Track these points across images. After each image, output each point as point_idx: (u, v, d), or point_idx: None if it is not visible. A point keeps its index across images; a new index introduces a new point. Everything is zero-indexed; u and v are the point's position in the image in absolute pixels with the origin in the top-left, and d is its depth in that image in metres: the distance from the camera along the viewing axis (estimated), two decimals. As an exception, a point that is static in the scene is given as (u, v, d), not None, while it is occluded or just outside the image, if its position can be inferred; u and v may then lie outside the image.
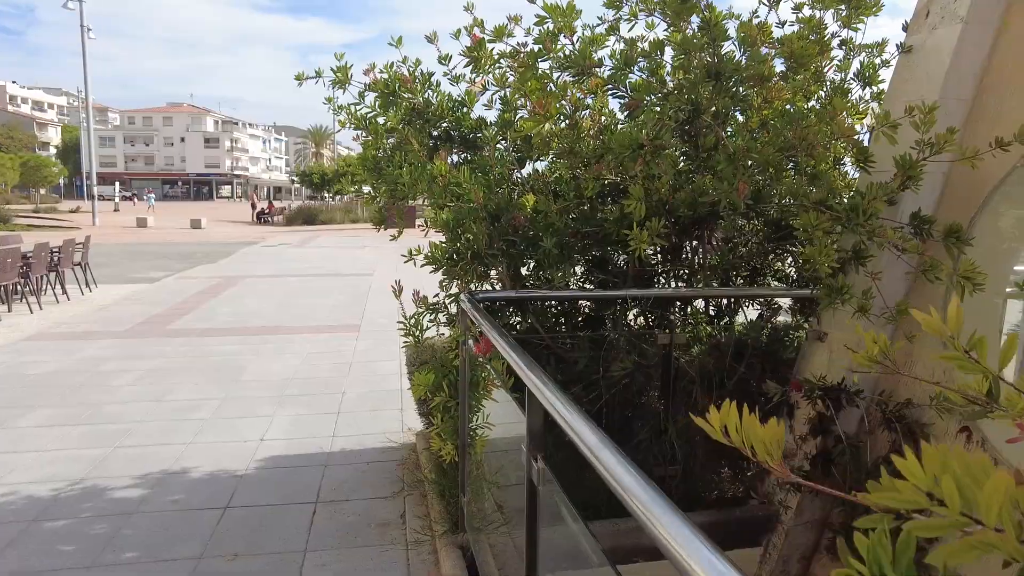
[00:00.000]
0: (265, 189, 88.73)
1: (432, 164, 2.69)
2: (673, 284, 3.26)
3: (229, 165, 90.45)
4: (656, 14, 2.83)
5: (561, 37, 2.70)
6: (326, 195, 42.97)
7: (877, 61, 3.28)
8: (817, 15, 3.10)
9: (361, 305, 9.82)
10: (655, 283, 3.14)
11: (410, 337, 2.90)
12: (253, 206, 38.92)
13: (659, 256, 3.13)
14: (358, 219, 35.98)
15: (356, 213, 36.98)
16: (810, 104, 3.37)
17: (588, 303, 3.07)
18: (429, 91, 2.96)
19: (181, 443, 4.22)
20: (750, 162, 2.35)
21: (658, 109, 2.51)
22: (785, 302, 3.50)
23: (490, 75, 3.09)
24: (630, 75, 2.45)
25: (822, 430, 3.06)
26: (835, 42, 3.17)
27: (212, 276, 12.95)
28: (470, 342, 2.65)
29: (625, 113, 2.89)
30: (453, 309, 3.08)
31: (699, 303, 3.29)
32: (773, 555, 3.28)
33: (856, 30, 3.20)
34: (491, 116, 3.26)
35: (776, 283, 3.43)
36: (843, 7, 3.06)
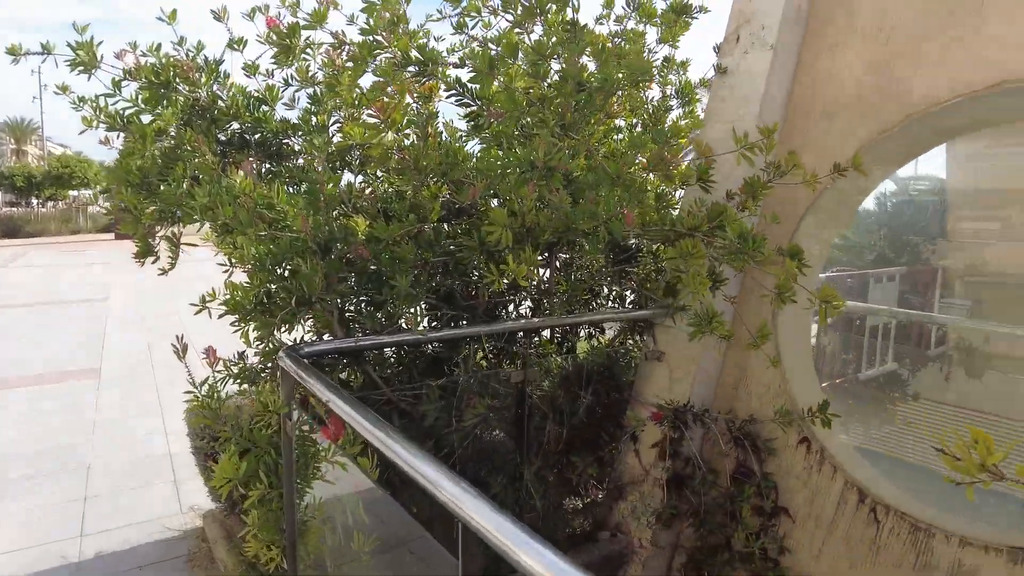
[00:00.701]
0: (-57, 194, 70.88)
1: (228, 178, 2.02)
2: (513, 313, 2.98)
3: None
4: (500, 11, 2.50)
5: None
6: (35, 201, 35.44)
7: (693, 79, 3.33)
8: (641, 28, 3.04)
9: (98, 342, 8.01)
10: (501, 315, 2.81)
11: (206, 409, 2.17)
12: (-74, 216, 30.61)
13: (506, 285, 2.81)
14: (80, 229, 30.25)
15: (77, 222, 31.04)
16: (634, 121, 3.32)
17: (435, 345, 2.62)
18: (217, 84, 2.26)
19: None
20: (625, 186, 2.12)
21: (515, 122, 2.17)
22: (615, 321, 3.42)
23: (292, 68, 2.49)
24: (493, 80, 2.07)
25: (672, 453, 3.00)
26: (656, 59, 3.15)
27: None
28: (295, 414, 2.05)
29: (469, 124, 2.51)
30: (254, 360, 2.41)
31: (546, 332, 3.04)
32: (631, 587, 3.16)
33: (676, 47, 3.21)
34: (292, 117, 2.65)
35: (611, 305, 3.33)
36: (665, 24, 3.02)
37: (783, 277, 2.35)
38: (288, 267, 2.05)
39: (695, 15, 3.02)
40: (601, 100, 2.16)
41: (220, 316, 1.97)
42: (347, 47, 2.10)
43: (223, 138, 2.43)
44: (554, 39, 2.40)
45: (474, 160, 2.55)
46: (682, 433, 2.97)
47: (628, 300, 3.33)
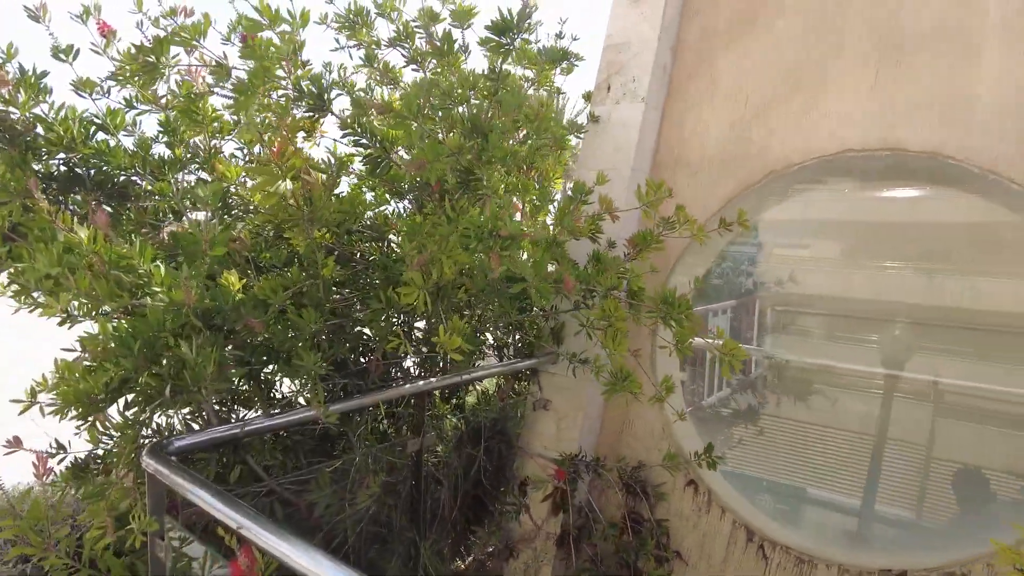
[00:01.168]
0: None
1: (70, 232, 1.53)
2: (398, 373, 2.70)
3: None
4: (394, 45, 2.26)
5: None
6: None
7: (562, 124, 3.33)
8: (520, 72, 2.99)
9: None
10: (397, 376, 2.52)
11: (25, 533, 1.61)
12: None
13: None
14: None
15: None
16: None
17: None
18: (40, 103, 1.73)
19: None
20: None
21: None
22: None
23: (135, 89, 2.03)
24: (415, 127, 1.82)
25: (565, 505, 2.92)
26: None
27: None
28: (164, 536, 1.60)
29: (365, 165, 2.22)
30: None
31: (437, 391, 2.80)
32: (530, 649, 3.00)
33: (559, 92, 3.20)
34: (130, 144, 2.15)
35: (493, 353, 3.19)
36: (547, 67, 2.99)
37: (684, 331, 2.37)
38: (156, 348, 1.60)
39: (575, 63, 3.03)
40: (526, 154, 2.03)
41: (60, 415, 1.47)
42: (235, 71, 1.72)
43: (39, 169, 1.87)
44: (454, 81, 2.23)
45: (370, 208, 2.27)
46: (575, 484, 2.90)
47: (510, 346, 3.22)
